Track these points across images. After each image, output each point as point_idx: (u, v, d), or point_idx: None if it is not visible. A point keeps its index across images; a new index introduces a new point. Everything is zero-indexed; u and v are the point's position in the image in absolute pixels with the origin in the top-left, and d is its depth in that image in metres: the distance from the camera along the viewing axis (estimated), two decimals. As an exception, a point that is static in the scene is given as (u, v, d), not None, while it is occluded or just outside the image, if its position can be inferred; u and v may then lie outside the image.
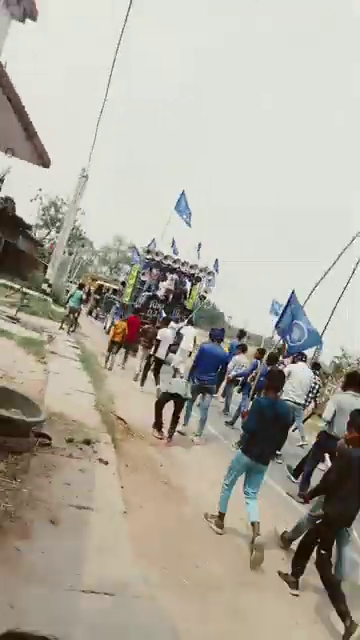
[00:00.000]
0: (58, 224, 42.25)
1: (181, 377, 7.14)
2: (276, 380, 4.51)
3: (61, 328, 14.61)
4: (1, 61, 2.93)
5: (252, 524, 4.20)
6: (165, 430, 6.79)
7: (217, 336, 7.62)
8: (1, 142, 4.43)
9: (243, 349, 10.09)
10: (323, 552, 3.70)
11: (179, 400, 6.67)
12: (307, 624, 3.55)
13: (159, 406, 6.82)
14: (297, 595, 3.83)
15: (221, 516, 4.46)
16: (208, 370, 7.25)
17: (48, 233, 44.99)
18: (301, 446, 8.79)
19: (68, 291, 25.02)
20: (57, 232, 42.13)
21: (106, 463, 4.63)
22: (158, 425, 6.79)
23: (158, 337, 10.09)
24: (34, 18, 9.30)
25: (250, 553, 4.02)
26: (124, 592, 2.80)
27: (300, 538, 4.12)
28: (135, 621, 2.63)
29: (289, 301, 6.85)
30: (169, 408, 6.76)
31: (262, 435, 4.29)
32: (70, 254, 54.67)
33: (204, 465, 6.33)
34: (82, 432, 5.25)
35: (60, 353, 9.90)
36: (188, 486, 5.25)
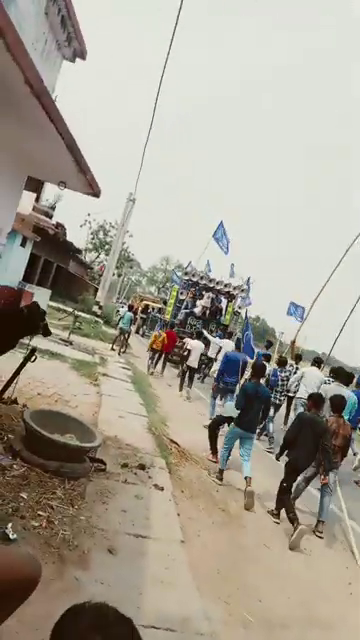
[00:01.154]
0: (107, 247, 43.57)
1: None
2: (259, 371, 6.09)
3: (112, 349, 14.90)
4: (54, 101, 3.07)
5: (245, 478, 5.47)
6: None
7: (239, 345, 9.36)
8: (55, 175, 4.63)
9: (267, 358, 10.60)
10: (284, 484, 5.23)
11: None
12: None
13: (212, 429, 6.73)
14: (278, 523, 5.14)
15: (221, 472, 5.84)
16: (231, 374, 8.52)
17: (97, 256, 46.47)
18: None
19: (118, 311, 25.63)
20: (106, 255, 43.41)
21: (162, 489, 4.59)
22: (213, 449, 6.69)
23: (188, 347, 11.62)
24: (83, 57, 9.84)
25: (244, 498, 5.26)
26: (186, 628, 2.72)
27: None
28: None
29: None
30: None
31: (249, 410, 5.67)
32: (119, 276, 56.31)
33: (259, 490, 6.14)
34: (136, 457, 5.26)
35: (112, 375, 10.06)
36: (245, 513, 5.10)
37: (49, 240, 20.76)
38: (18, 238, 14.83)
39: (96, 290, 31.67)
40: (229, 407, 6.72)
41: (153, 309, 28.67)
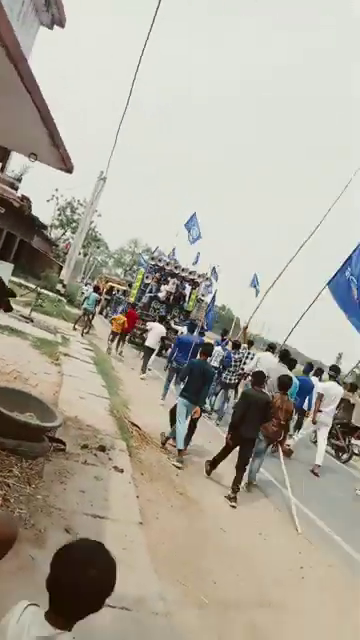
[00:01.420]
0: (74, 225, 42.55)
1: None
2: (207, 349, 6.74)
3: (74, 329, 14.66)
4: (31, 69, 2.91)
5: (180, 451, 6.06)
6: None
7: (190, 329, 10.28)
8: (25, 146, 4.43)
9: (227, 344, 11.68)
10: (239, 457, 5.73)
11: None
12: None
13: (173, 414, 6.75)
14: (234, 507, 5.33)
15: (180, 452, 6.06)
16: (184, 355, 9.13)
17: (63, 233, 45.36)
18: None
19: (83, 293, 25.23)
20: (72, 233, 42.47)
21: (121, 471, 4.58)
22: (173, 433, 6.72)
23: (147, 327, 12.12)
24: (62, 25, 9.42)
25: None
26: (141, 608, 2.74)
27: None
28: (153, 638, 2.56)
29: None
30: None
31: (193, 383, 6.30)
32: (85, 255, 55.28)
33: (218, 475, 6.24)
34: (97, 438, 5.22)
35: (74, 355, 9.91)
36: (204, 498, 5.17)
37: (13, 213, 20.08)
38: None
39: (60, 268, 30.97)
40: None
41: (118, 291, 28.55)
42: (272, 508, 5.86)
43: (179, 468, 5.79)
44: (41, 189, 44.36)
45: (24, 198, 22.06)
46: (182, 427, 6.20)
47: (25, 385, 6.22)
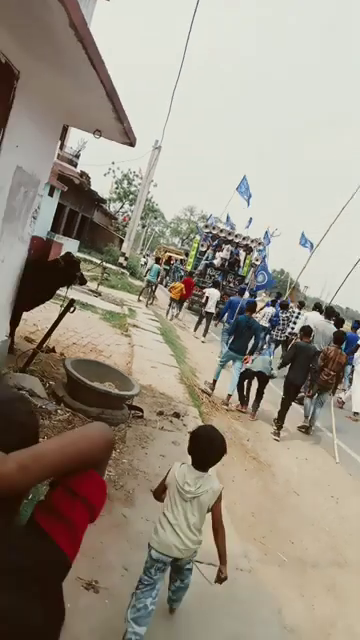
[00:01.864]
0: (131, 197, 42.76)
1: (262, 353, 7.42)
2: (251, 307, 7.34)
3: (139, 300, 15.01)
4: (97, 47, 2.92)
5: (229, 395, 6.77)
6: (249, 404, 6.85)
7: (241, 292, 11.22)
8: (90, 123, 4.49)
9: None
10: (284, 397, 6.40)
11: (263, 377, 6.65)
12: None
13: (241, 382, 6.85)
14: (277, 440, 6.08)
15: (214, 382, 7.07)
16: (233, 314, 9.80)
17: (122, 206, 45.78)
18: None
19: (143, 265, 25.48)
20: (130, 205, 42.74)
21: (196, 436, 4.75)
22: (242, 400, 6.83)
23: (206, 294, 12.55)
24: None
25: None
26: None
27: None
28: (240, 593, 2.73)
29: None
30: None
31: (239, 337, 6.89)
32: (143, 227, 55.61)
33: (288, 440, 6.31)
34: (170, 405, 5.43)
35: (141, 326, 10.19)
36: (275, 461, 5.27)
37: (74, 189, 20.50)
38: (47, 188, 14.72)
39: (121, 241, 31.49)
40: (258, 361, 6.81)
41: (176, 260, 28.64)
42: (343, 473, 5.86)
43: (227, 408, 6.63)
44: (98, 163, 44.86)
45: (83, 174, 22.45)
46: (219, 367, 7.14)
47: (100, 356, 6.53)
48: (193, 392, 6.41)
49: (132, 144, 5.33)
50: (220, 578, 2.24)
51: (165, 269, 28.07)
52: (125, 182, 44.18)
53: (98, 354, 6.63)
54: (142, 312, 12.91)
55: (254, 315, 7.96)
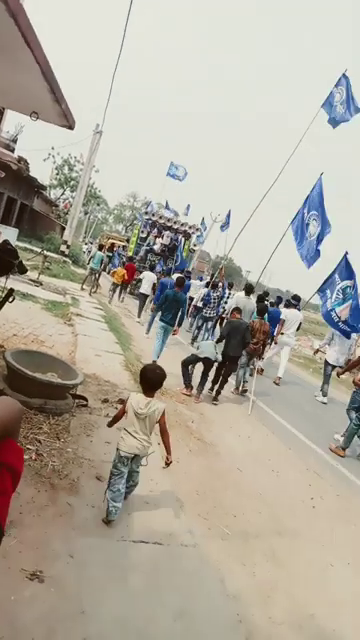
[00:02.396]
0: (72, 183, 41.48)
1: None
2: (179, 281, 7.92)
3: (82, 289, 14.72)
4: (30, 21, 2.80)
5: (154, 362, 7.09)
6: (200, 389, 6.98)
7: (166, 273, 13.01)
8: (26, 105, 4.31)
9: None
10: (218, 365, 7.16)
11: (208, 362, 6.79)
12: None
13: (185, 366, 6.95)
14: (216, 405, 6.99)
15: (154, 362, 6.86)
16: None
17: (63, 193, 44.31)
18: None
19: (85, 252, 25.03)
20: (72, 191, 41.50)
21: (141, 421, 4.78)
22: (186, 384, 6.94)
23: (140, 277, 13.12)
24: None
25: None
26: (171, 541, 2.98)
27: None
28: (185, 567, 2.81)
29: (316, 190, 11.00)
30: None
31: (168, 310, 7.61)
32: (86, 213, 54.23)
33: (230, 420, 6.50)
34: (115, 392, 5.42)
35: (85, 315, 10.03)
36: (219, 441, 5.42)
37: (12, 175, 19.61)
38: (-20, 173, 13.97)
39: (62, 229, 30.62)
40: (204, 346, 6.95)
41: (118, 247, 28.59)
42: (283, 448, 6.13)
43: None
44: (36, 148, 43.12)
45: (21, 159, 21.48)
46: (158, 344, 7.80)
47: (42, 347, 6.37)
48: (137, 377, 6.41)
49: (71, 127, 5.16)
50: (167, 463, 3.26)
51: (108, 256, 27.81)
52: (66, 168, 42.75)
53: (40, 345, 6.47)
54: (86, 300, 12.69)
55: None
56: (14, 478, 0.91)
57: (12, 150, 20.77)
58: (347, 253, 9.28)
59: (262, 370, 10.48)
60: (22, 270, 5.30)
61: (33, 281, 11.85)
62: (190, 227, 19.82)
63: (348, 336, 9.70)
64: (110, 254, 27.86)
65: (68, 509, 2.92)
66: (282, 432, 6.77)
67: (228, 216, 24.62)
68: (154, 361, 7.25)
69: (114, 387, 5.61)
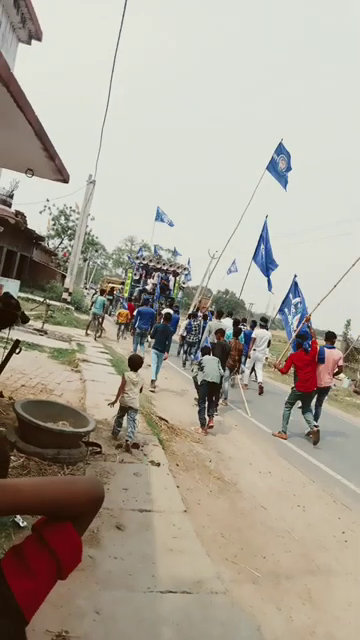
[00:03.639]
0: (69, 232, 42.48)
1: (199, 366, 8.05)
2: (167, 315, 9.89)
3: (87, 334, 14.81)
4: (21, 88, 2.97)
5: (152, 380, 9.28)
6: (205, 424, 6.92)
7: (144, 302, 15.39)
8: (21, 163, 4.50)
9: (190, 316, 15.75)
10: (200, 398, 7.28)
11: (214, 386, 7.10)
12: None
13: (202, 403, 6.97)
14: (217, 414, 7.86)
15: (152, 382, 9.32)
16: (145, 322, 12.11)
17: (61, 242, 45.30)
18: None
19: (93, 296, 25.51)
20: (69, 240, 42.42)
21: (158, 465, 4.70)
22: (202, 422, 6.90)
23: (135, 313, 13.93)
24: (39, 39, 9.45)
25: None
26: (200, 589, 2.86)
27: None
28: (217, 616, 2.68)
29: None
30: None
31: (158, 339, 9.38)
32: (85, 260, 55.18)
33: (249, 456, 6.36)
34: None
35: (91, 360, 10.03)
36: (239, 479, 5.29)
37: (10, 229, 20.15)
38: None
39: (63, 277, 31.09)
40: (208, 365, 7.16)
41: (117, 290, 29.35)
42: (306, 480, 5.96)
43: (152, 392, 8.91)
44: (32, 201, 44.38)
45: (18, 213, 22.12)
46: (154, 367, 9.38)
47: (51, 396, 6.35)
48: (151, 420, 6.35)
49: (65, 181, 5.37)
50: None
51: (109, 299, 28.26)
52: (62, 218, 43.86)
53: (49, 394, 6.45)
54: (91, 346, 12.72)
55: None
56: (59, 568, 0.81)
57: (9, 205, 21.43)
58: (295, 276, 10.77)
59: (246, 385, 12.25)
60: (25, 320, 5.35)
61: (38, 330, 11.95)
62: (178, 267, 22.39)
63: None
64: (110, 297, 28.38)
65: (90, 562, 2.83)
66: (302, 464, 6.60)
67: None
68: (152, 380, 9.25)
69: (127, 431, 5.53)
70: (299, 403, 8.16)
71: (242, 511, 4.44)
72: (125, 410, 5.19)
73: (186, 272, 23.04)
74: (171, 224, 29.22)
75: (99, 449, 4.66)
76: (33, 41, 9.22)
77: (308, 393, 8.01)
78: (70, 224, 42.79)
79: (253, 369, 12.76)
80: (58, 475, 3.84)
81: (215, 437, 6.81)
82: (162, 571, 2.95)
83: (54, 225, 42.87)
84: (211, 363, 7.22)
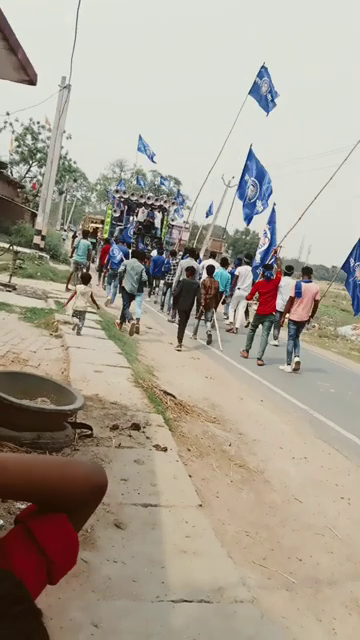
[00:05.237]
0: (39, 156, 41.74)
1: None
2: (140, 256, 11.91)
3: (67, 289, 14.84)
4: None
5: (137, 319, 11.02)
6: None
7: (159, 252, 19.21)
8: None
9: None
10: (179, 322, 11.39)
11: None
12: None
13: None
14: (179, 350, 10.84)
15: (120, 325, 11.46)
16: (117, 263, 14.30)
17: (28, 170, 44.61)
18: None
19: (64, 240, 25.50)
20: (40, 167, 41.77)
21: (164, 449, 4.81)
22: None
23: (110, 253, 16.08)
24: None
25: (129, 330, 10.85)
26: (222, 598, 2.98)
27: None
28: (244, 630, 2.81)
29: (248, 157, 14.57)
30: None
31: (129, 279, 11.10)
32: (61, 193, 54.50)
33: (279, 438, 6.49)
34: (127, 416, 5.45)
35: (75, 322, 10.09)
36: (267, 466, 5.42)
37: None
38: None
39: (34, 215, 30.85)
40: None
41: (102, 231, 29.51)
42: (351, 467, 6.09)
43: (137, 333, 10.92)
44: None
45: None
46: (124, 303, 11.47)
47: (26, 367, 6.45)
48: (153, 396, 6.46)
49: (32, 81, 5.21)
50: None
51: (92, 242, 28.08)
52: (29, 137, 43.00)
53: (23, 364, 6.55)
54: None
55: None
56: (49, 569, 0.82)
57: None
58: (275, 204, 13.41)
59: (237, 329, 15.32)
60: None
61: (4, 285, 11.99)
62: (165, 201, 23.73)
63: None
64: (94, 240, 28.22)
65: (84, 567, 2.94)
66: (346, 447, 6.73)
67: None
68: (138, 319, 11.08)
69: (124, 410, 5.64)
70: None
71: (271, 505, 4.57)
72: (78, 313, 9.06)
73: (175, 207, 24.89)
74: (152, 158, 32.51)
75: (89, 431, 4.75)
76: None
77: (266, 315, 11.18)
78: (40, 145, 41.96)
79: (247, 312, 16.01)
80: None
81: (236, 415, 6.92)
82: (174, 577, 3.07)
83: (18, 147, 42.06)
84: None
